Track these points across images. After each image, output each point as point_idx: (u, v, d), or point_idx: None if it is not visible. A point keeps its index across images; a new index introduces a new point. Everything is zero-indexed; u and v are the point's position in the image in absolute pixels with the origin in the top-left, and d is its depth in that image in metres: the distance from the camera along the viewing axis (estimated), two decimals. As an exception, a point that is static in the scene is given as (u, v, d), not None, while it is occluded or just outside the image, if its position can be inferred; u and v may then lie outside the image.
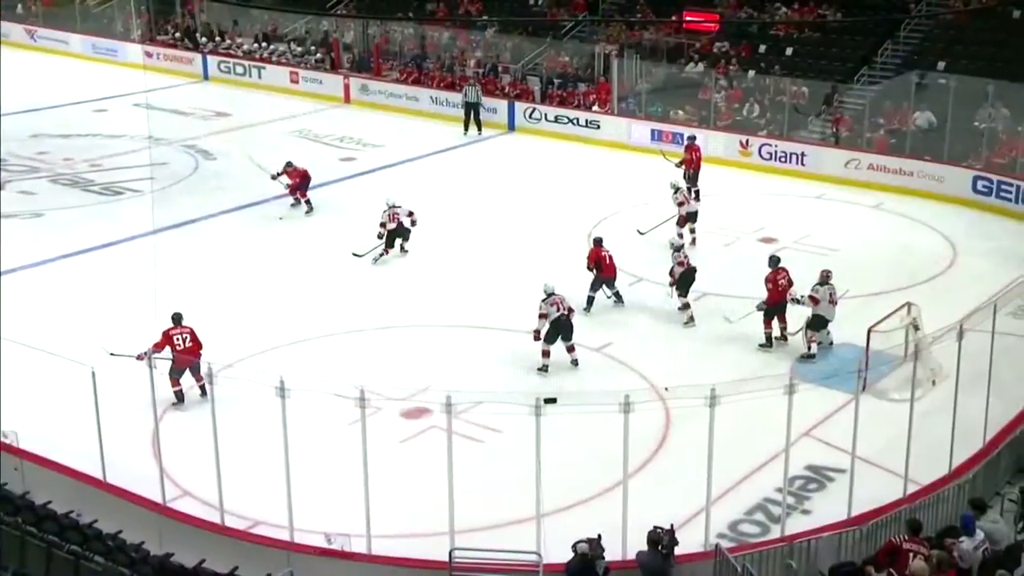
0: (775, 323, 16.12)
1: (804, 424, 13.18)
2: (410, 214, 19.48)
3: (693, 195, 22.40)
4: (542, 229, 21.21)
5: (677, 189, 20.09)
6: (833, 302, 15.64)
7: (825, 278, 15.78)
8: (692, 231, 20.00)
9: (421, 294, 18.11)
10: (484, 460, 12.96)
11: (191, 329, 14.32)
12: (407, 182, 24.58)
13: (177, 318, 14.38)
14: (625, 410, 10.36)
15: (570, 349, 15.37)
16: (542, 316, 15.16)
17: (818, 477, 12.92)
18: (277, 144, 26.97)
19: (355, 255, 18.92)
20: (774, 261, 16.40)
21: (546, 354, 15.19)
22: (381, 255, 19.31)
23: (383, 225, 19.27)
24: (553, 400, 10.33)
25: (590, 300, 17.22)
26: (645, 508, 11.06)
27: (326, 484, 12.24)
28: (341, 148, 27.40)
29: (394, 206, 19.43)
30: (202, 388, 13.89)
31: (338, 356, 15.75)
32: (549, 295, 15.25)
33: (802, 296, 15.76)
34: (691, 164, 22.74)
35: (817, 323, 15.52)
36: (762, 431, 12.37)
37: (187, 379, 14.22)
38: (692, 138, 23.75)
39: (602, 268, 17.20)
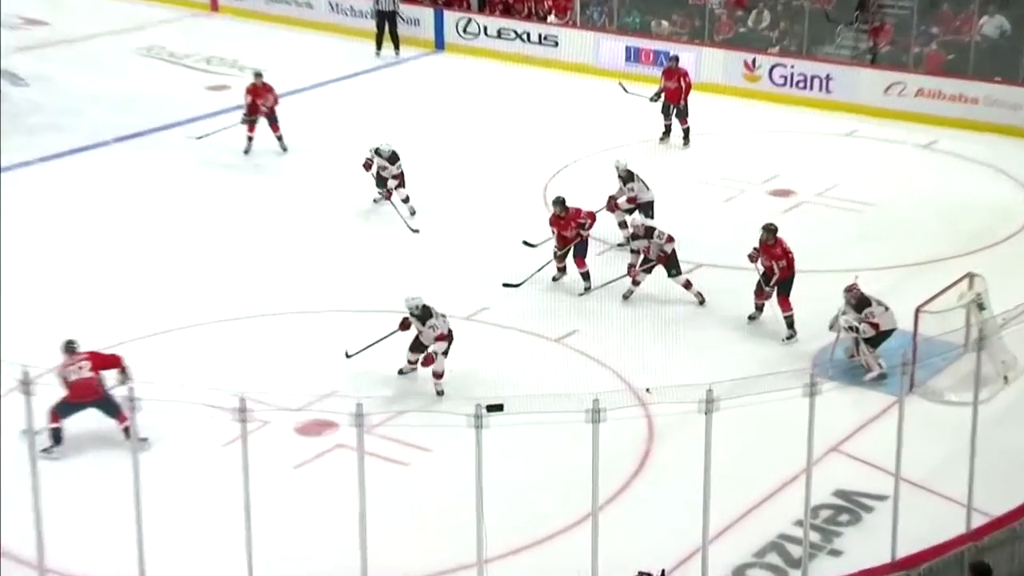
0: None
1: (832, 436, 13.37)
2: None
3: (683, 137, 22.57)
4: (481, 182, 21.31)
5: (630, 175, 18.79)
6: (885, 307, 15.19)
7: (860, 300, 15.12)
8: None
9: (322, 269, 18.09)
10: (408, 488, 13.01)
11: (91, 354, 13.88)
12: (299, 120, 24.41)
13: (68, 346, 13.91)
14: (594, 419, 10.40)
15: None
16: (442, 338, 14.84)
17: (851, 506, 13.06)
18: (119, 67, 26.71)
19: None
20: (771, 230, 16.34)
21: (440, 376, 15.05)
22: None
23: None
24: (499, 407, 10.37)
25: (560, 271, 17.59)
26: (621, 548, 11.16)
27: (192, 527, 12.22)
28: (209, 72, 27.32)
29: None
30: (126, 431, 13.49)
31: (209, 352, 15.74)
32: (426, 308, 14.87)
33: (857, 326, 15.37)
34: (674, 96, 22.78)
35: (879, 340, 15.17)
36: (776, 446, 12.57)
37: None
38: (675, 59, 23.81)
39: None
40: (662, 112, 22.89)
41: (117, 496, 11.35)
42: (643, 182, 18.68)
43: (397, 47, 28.67)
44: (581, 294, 17.40)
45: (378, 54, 28.62)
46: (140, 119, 23.30)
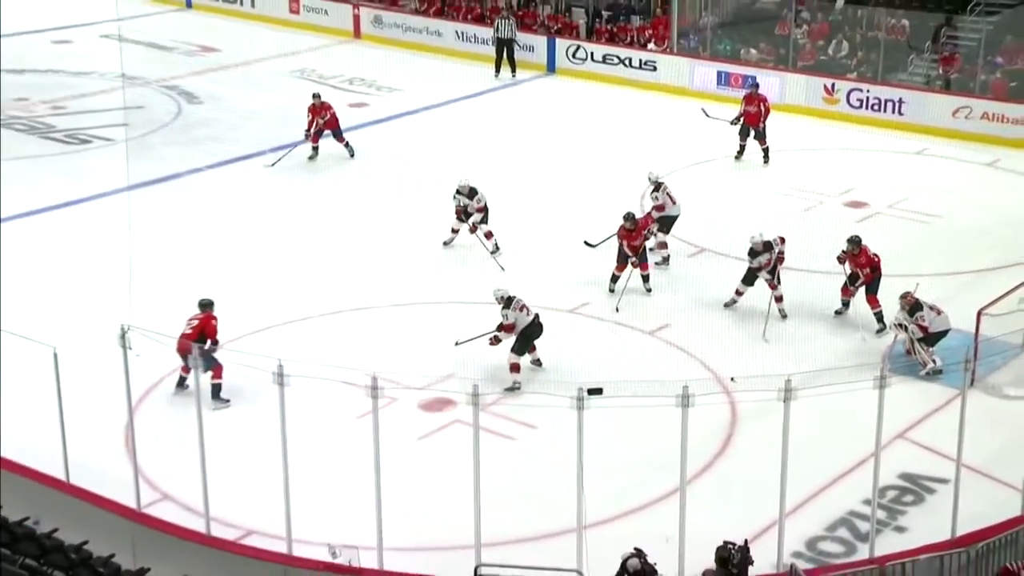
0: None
1: (898, 424, 13.17)
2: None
3: (763, 156, 22.29)
4: (587, 190, 21.24)
5: (658, 186, 18.34)
6: (938, 311, 15.08)
7: (913, 305, 15.02)
8: (664, 245, 18.16)
9: (445, 266, 18.17)
10: (516, 461, 13.05)
11: (206, 316, 14.36)
12: (428, 133, 24.69)
13: (202, 304, 14.51)
14: (684, 404, 10.37)
15: (532, 348, 15.11)
16: (507, 328, 14.68)
17: (915, 488, 12.89)
18: (275, 86, 27.09)
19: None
20: (855, 241, 16.22)
21: (516, 368, 14.74)
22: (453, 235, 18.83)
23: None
24: (599, 391, 10.35)
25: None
26: (705, 520, 11.05)
27: (331, 488, 12.36)
28: (350, 92, 27.48)
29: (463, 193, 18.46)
30: (214, 388, 14.09)
31: (347, 337, 15.84)
32: (509, 299, 14.75)
33: (907, 325, 15.25)
34: (754, 119, 22.47)
35: (934, 339, 15.05)
36: (847, 431, 12.40)
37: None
38: (755, 85, 23.58)
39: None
40: (740, 134, 22.57)
41: (265, 455, 11.54)
42: (670, 195, 18.24)
43: (514, 70, 28.70)
44: (648, 291, 17.11)
45: (497, 76, 28.65)
46: (292, 132, 23.54)
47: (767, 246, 16.33)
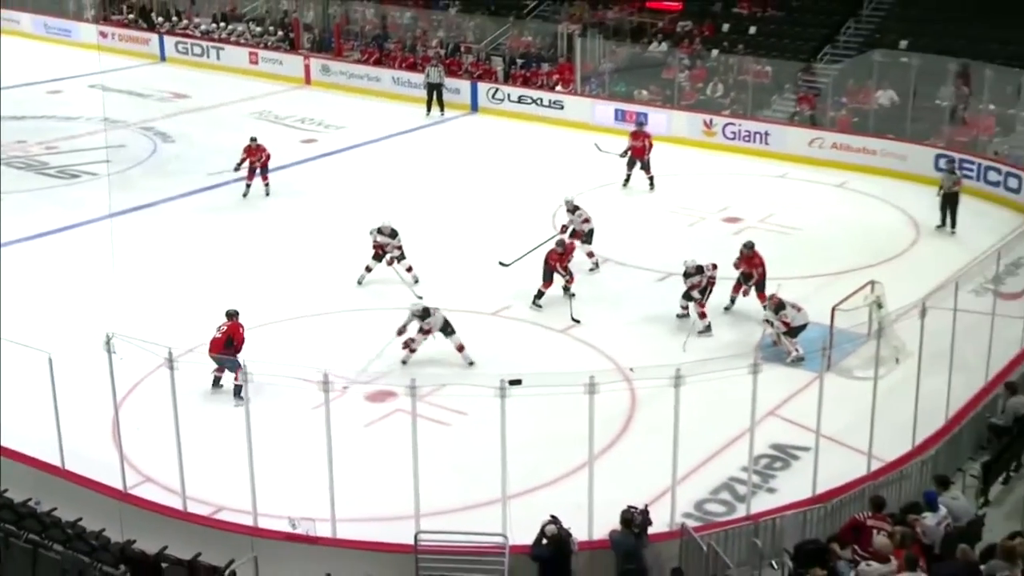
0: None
1: (769, 403, 13.28)
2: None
3: (648, 183, 22.32)
4: (505, 211, 21.18)
5: (574, 209, 18.32)
6: (799, 308, 15.26)
7: (777, 304, 15.22)
8: (590, 254, 18.08)
9: (384, 278, 18.03)
10: (449, 443, 12.99)
11: (233, 324, 14.21)
12: (369, 164, 24.51)
13: (228, 314, 14.34)
14: (590, 391, 10.38)
15: (461, 348, 15.02)
16: (427, 331, 14.80)
17: (783, 456, 13.01)
18: (237, 126, 26.76)
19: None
20: (750, 246, 16.48)
21: (462, 347, 14.90)
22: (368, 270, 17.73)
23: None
24: (518, 382, 10.34)
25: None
26: (611, 488, 11.08)
27: (290, 469, 12.21)
28: (302, 130, 27.21)
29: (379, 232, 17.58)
30: (236, 388, 13.77)
31: (301, 340, 15.69)
32: (425, 310, 14.80)
33: (773, 321, 15.39)
34: (641, 152, 22.43)
35: (795, 332, 15.19)
36: (727, 411, 12.45)
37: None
38: (640, 123, 23.56)
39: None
40: (627, 165, 22.48)
41: (233, 441, 11.39)
42: (584, 215, 18.26)
43: (442, 110, 28.51)
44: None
45: (428, 115, 28.46)
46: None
47: (699, 269, 16.15)
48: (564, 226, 18.46)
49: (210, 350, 13.81)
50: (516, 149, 25.81)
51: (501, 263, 17.91)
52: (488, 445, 10.82)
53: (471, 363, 14.89)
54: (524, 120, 27.96)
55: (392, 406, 13.48)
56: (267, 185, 22.16)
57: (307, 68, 32.05)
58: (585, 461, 10.88)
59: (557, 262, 16.72)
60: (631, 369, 13.69)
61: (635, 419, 13.66)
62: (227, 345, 13.98)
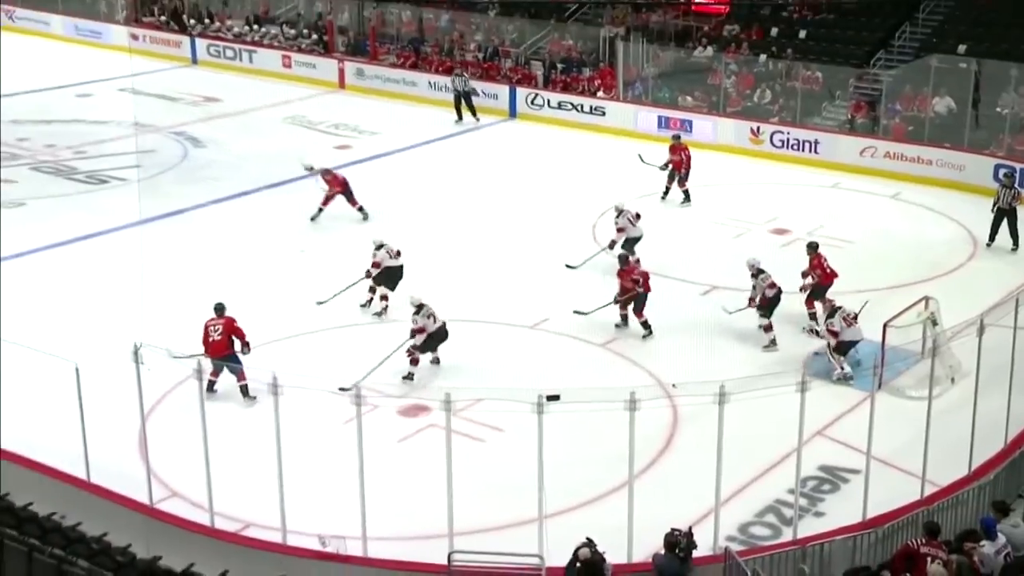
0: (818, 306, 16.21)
1: (817, 423, 13.20)
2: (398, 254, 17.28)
3: (684, 196, 22.25)
4: (543, 220, 21.20)
5: (620, 212, 18.64)
6: (851, 324, 15.12)
7: (832, 309, 15.25)
8: (637, 261, 17.37)
9: (417, 288, 18.04)
10: (485, 459, 12.99)
11: (228, 320, 14.33)
12: (404, 171, 24.64)
13: (217, 308, 14.47)
14: (631, 408, 10.37)
15: (436, 360, 15.20)
16: (419, 331, 14.82)
17: (832, 478, 12.93)
18: (269, 131, 27.00)
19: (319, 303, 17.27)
20: (813, 247, 16.59)
21: (416, 362, 14.90)
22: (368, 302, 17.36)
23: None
24: (556, 397, 10.34)
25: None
26: (651, 509, 11.05)
27: (321, 485, 12.28)
28: (336, 135, 27.38)
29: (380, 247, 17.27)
30: (242, 388, 14.02)
31: (333, 352, 15.77)
32: (420, 306, 14.90)
33: (819, 331, 15.41)
34: (680, 165, 22.36)
35: (844, 348, 15.09)
36: (774, 430, 12.36)
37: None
38: (677, 137, 23.44)
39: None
40: (668, 177, 22.40)
41: (262, 456, 11.45)
42: (630, 220, 18.48)
43: (475, 115, 28.51)
44: (645, 337, 16.28)
45: (457, 122, 28.45)
46: (283, 171, 23.41)
47: (758, 272, 16.14)
48: (613, 241, 18.46)
49: (213, 353, 13.75)
50: (555, 157, 25.83)
51: (568, 266, 18.23)
52: (525, 462, 10.80)
53: (437, 361, 15.15)
54: (564, 127, 28.02)
55: (425, 421, 13.52)
56: (361, 209, 21.21)
57: (341, 72, 32.27)
58: (625, 480, 10.87)
59: (617, 276, 16.58)
60: (673, 385, 13.63)
61: (677, 437, 13.63)
62: (230, 345, 14.03)
